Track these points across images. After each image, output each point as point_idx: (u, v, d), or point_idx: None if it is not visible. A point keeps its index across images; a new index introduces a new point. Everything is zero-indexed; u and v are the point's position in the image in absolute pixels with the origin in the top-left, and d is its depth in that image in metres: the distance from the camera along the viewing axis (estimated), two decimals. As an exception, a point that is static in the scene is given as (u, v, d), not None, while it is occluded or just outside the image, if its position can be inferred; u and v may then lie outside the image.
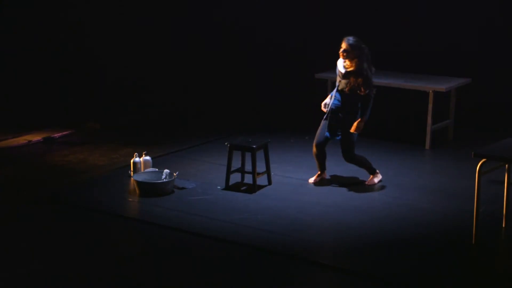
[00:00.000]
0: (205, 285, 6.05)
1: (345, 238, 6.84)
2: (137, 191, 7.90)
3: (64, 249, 6.68)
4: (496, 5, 10.61)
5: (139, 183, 7.88)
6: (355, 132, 7.90)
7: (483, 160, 6.50)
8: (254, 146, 7.98)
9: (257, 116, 11.01)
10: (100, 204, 7.66)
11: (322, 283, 6.12)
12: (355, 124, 7.86)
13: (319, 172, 8.26)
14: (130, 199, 7.80)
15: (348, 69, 7.85)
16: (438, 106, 9.59)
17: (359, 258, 6.46)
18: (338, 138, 8.00)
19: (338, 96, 7.96)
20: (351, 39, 7.83)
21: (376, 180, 8.16)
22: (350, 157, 8.02)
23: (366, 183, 8.14)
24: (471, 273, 6.19)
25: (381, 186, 8.12)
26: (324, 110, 8.06)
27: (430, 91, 9.34)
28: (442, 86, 9.38)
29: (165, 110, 11.32)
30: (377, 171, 8.21)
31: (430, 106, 9.36)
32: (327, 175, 8.32)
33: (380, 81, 9.27)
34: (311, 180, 8.26)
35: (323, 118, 8.07)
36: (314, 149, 8.11)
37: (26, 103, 11.02)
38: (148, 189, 7.86)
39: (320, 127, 8.08)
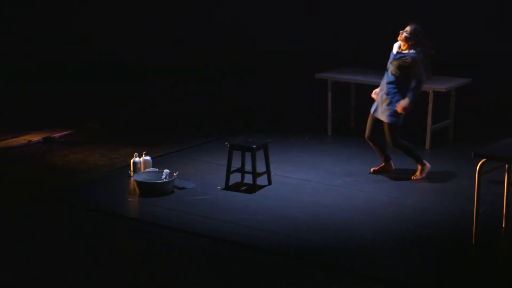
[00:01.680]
0: (205, 285, 6.05)
1: (345, 238, 6.83)
2: (137, 191, 7.90)
3: (64, 249, 6.68)
4: (496, 5, 10.61)
5: (139, 183, 7.88)
6: (401, 112, 7.96)
7: (483, 160, 6.50)
8: (254, 146, 7.98)
9: (257, 116, 11.00)
10: (100, 204, 7.66)
11: (322, 283, 6.11)
12: (401, 102, 7.95)
13: (382, 164, 8.37)
14: (130, 199, 7.80)
15: (403, 51, 7.97)
16: (438, 106, 9.58)
17: (359, 258, 6.46)
18: (376, 114, 8.11)
19: (386, 78, 8.08)
20: (416, 26, 7.93)
21: (423, 174, 8.20)
22: (393, 143, 8.11)
23: (413, 177, 8.21)
24: (471, 273, 6.19)
25: (381, 186, 8.11)
26: (374, 97, 8.20)
27: (430, 91, 9.33)
28: (442, 86, 9.37)
29: (165, 110, 11.31)
30: (425, 161, 8.25)
31: (430, 106, 9.36)
32: (393, 166, 8.39)
33: (380, 81, 9.24)
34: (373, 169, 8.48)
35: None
36: (368, 142, 8.26)
37: (26, 103, 11.02)
38: (148, 189, 7.85)
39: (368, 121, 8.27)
